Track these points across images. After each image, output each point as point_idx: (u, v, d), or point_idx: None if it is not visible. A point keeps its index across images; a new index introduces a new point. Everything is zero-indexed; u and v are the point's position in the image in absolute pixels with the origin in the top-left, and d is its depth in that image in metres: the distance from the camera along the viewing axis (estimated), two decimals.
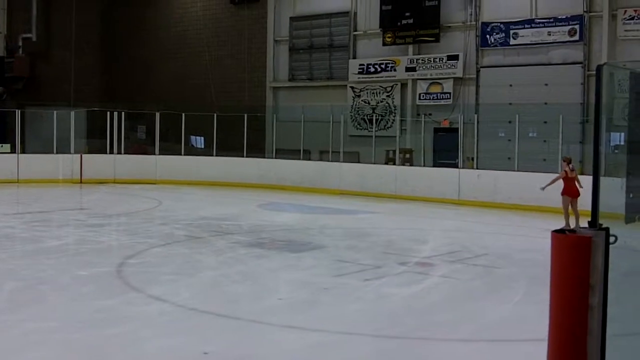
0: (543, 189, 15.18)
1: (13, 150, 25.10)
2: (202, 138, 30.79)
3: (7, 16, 34.77)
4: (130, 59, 34.80)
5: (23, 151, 25.78)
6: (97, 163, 25.76)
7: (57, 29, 34.65)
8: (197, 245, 12.59)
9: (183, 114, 26.76)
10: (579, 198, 14.70)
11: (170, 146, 27.51)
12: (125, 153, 26.55)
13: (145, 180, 25.52)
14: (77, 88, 33.22)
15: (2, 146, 25.23)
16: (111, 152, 26.23)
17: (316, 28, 29.43)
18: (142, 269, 10.47)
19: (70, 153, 25.45)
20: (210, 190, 23.94)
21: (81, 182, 25.03)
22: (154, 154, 26.52)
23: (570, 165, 15.03)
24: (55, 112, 25.62)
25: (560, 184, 14.97)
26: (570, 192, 14.82)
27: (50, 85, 33.93)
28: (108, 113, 26.44)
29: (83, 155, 25.66)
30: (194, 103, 30.26)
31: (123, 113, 26.62)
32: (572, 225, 14.53)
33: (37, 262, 10.69)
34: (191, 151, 28.45)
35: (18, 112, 25.52)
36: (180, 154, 26.72)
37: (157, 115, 26.66)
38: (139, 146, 29.70)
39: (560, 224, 14.48)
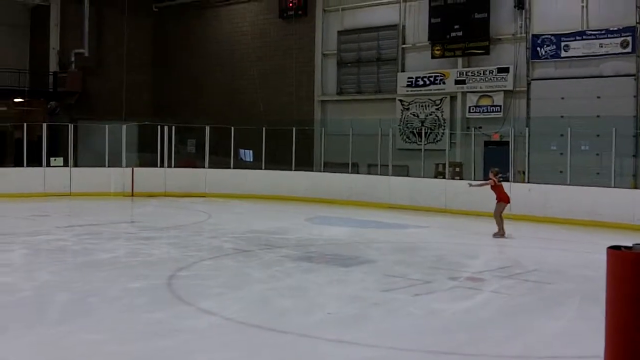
0: (471, 185, 18.02)
1: (66, 164, 25.64)
2: (251, 151, 31.03)
3: (60, 32, 35.68)
4: (180, 74, 35.35)
5: (75, 164, 26.35)
6: (148, 176, 26.14)
7: (109, 45, 35.43)
8: (245, 259, 12.67)
9: (232, 128, 27.02)
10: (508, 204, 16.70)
11: (220, 160, 27.78)
12: (175, 167, 26.89)
13: (194, 193, 25.81)
14: (128, 103, 33.84)
15: (55, 160, 25.78)
16: (162, 166, 26.59)
17: (364, 42, 29.46)
18: (192, 281, 10.57)
19: (121, 166, 25.87)
20: (258, 204, 24.09)
21: (132, 195, 25.44)
22: (204, 167, 26.81)
23: (498, 176, 16.88)
24: (107, 126, 26.11)
25: (492, 190, 16.70)
26: (504, 197, 16.62)
27: (102, 100, 34.65)
28: (159, 127, 26.84)
29: (134, 169, 26.08)
30: (242, 117, 30.56)
31: (173, 127, 26.99)
32: (507, 230, 16.42)
33: (88, 275, 10.87)
34: (240, 165, 28.67)
35: (71, 127, 26.10)
36: (230, 168, 26.94)
37: (207, 129, 26.97)
38: (189, 160, 30.05)
39: (611, 238, 14.18)
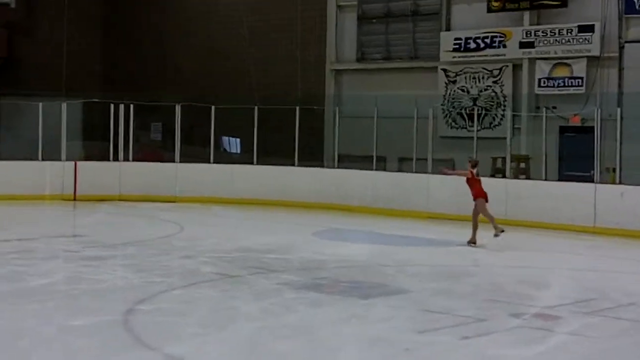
0: (444, 172, 20.39)
1: None
2: (238, 140, 31.05)
3: None
4: (141, 34, 35.40)
5: None
6: (97, 173, 26.19)
7: None
8: (230, 287, 12.67)
9: (212, 107, 27.06)
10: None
11: (195, 151, 27.80)
12: (134, 160, 26.94)
13: (161, 197, 25.84)
14: (70, 73, 33.92)
15: None
16: (115, 159, 26.64)
17: None
18: (157, 318, 10.56)
19: (60, 160, 25.93)
20: (248, 211, 24.08)
21: (75, 199, 25.46)
22: (173, 161, 26.85)
23: (476, 169, 18.35)
24: (40, 104, 26.14)
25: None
26: (484, 194, 18.08)
27: (34, 68, 34.70)
28: (111, 106, 26.87)
29: (78, 163, 26.12)
30: (226, 92, 30.57)
31: (131, 106, 27.03)
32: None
33: (14, 308, 10.85)
34: (223, 157, 28.70)
35: None
36: (209, 162, 26.97)
37: (177, 108, 27.01)
38: (153, 151, 30.08)
39: None
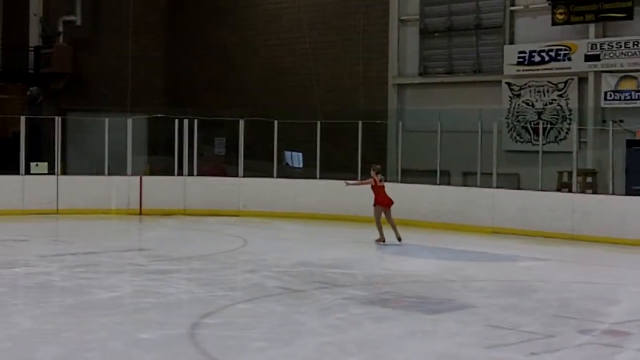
0: (347, 184, 21.45)
1: (52, 171, 26.10)
2: (300, 154, 31.11)
3: None
4: (205, 49, 35.73)
5: (64, 172, 26.80)
6: (162, 188, 26.45)
7: (109, 10, 36.05)
8: (295, 302, 12.70)
9: (275, 122, 27.15)
10: (392, 207, 19.89)
11: (258, 165, 27.92)
12: (198, 174, 27.13)
13: (225, 211, 25.99)
14: (135, 87, 34.34)
15: (37, 165, 26.26)
16: (180, 174, 26.84)
17: (458, 2, 29.35)
18: (224, 332, 10.64)
19: (126, 174, 26.24)
20: (312, 226, 24.11)
21: (140, 214, 25.75)
22: (237, 175, 26.99)
23: (379, 176, 19.99)
24: (107, 119, 26.50)
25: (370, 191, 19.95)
26: (383, 201, 19.83)
27: (99, 84, 35.27)
28: (176, 121, 27.08)
29: (143, 178, 26.40)
30: (289, 107, 30.70)
31: (195, 121, 27.26)
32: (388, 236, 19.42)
33: (82, 321, 11.03)
34: (286, 172, 28.78)
35: (58, 120, 26.51)
36: (272, 176, 27.06)
37: (241, 123, 27.15)
38: (217, 165, 30.30)
39: None
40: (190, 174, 26.87)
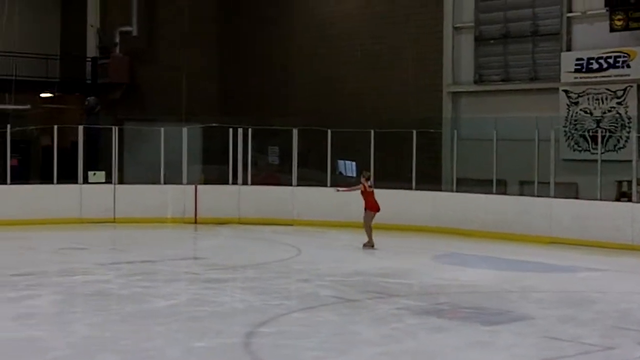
0: (338, 191, 22.63)
1: (109, 180, 26.43)
2: (354, 163, 31.08)
3: (101, 4, 36.91)
4: (258, 59, 35.88)
5: (121, 181, 27.10)
6: (217, 197, 26.61)
7: (164, 20, 36.39)
8: (350, 311, 12.73)
9: (329, 131, 27.19)
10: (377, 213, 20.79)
11: (312, 174, 27.96)
12: (252, 183, 27.27)
13: (278, 220, 26.06)
14: (189, 97, 34.63)
15: (94, 174, 26.62)
16: (234, 183, 27.01)
17: (513, 9, 29.13)
18: (279, 341, 10.69)
19: (181, 183, 26.46)
20: (365, 235, 24.07)
21: (196, 222, 25.94)
22: (291, 184, 27.08)
23: (369, 182, 20.98)
24: (162, 129, 26.77)
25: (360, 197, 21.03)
26: (374, 206, 20.76)
27: (155, 94, 35.61)
28: (230, 130, 27.28)
29: (198, 187, 26.60)
30: (343, 115, 30.70)
31: (249, 130, 27.40)
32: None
33: (140, 329, 11.18)
34: (339, 181, 28.79)
35: (115, 130, 26.85)
36: (326, 185, 27.07)
37: (294, 132, 27.24)
38: (270, 174, 30.40)
39: None
40: (245, 182, 27.02)
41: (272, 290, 14.48)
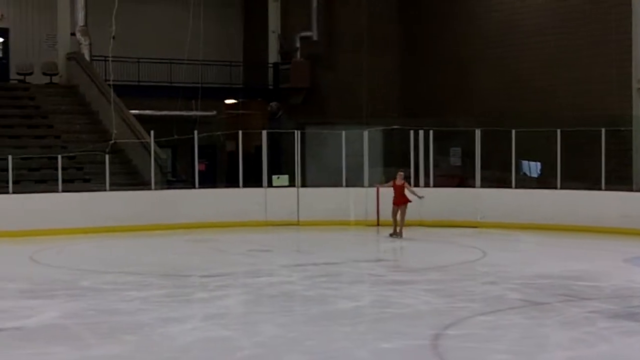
0: (375, 186, 25.39)
1: (292, 183, 26.92)
2: (538, 163, 30.53)
3: (282, 9, 37.62)
4: (438, 59, 35.71)
5: (304, 184, 27.55)
6: None
7: (344, 24, 36.70)
8: (538, 314, 12.50)
9: (513, 131, 26.75)
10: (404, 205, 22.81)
11: (495, 175, 27.62)
12: (434, 185, 27.15)
13: (462, 222, 25.85)
14: (370, 100, 34.83)
15: (278, 178, 27.15)
16: (416, 185, 26.89)
17: None
18: (465, 343, 10.63)
19: (363, 186, 26.65)
20: (552, 237, 23.57)
21: (378, 225, 26.02)
22: (474, 186, 26.80)
23: (401, 180, 23.17)
24: (343, 132, 27.05)
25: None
26: (395, 201, 23.00)
27: (335, 97, 36.01)
28: (411, 132, 27.27)
29: (380, 189, 26.72)
30: (527, 115, 30.17)
31: (431, 132, 27.28)
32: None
33: (325, 330, 11.33)
34: (524, 182, 28.32)
35: (297, 134, 27.33)
36: (510, 186, 26.65)
37: (477, 132, 26.94)
38: (453, 176, 30.22)
39: None
40: (426, 185, 26.94)
41: (457, 292, 14.39)
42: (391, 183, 23.33)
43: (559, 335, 11.12)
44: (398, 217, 22.95)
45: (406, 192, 23.16)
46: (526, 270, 17.09)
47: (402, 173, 23.55)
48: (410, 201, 22.99)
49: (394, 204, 23.07)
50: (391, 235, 22.87)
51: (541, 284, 15.31)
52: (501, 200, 26.34)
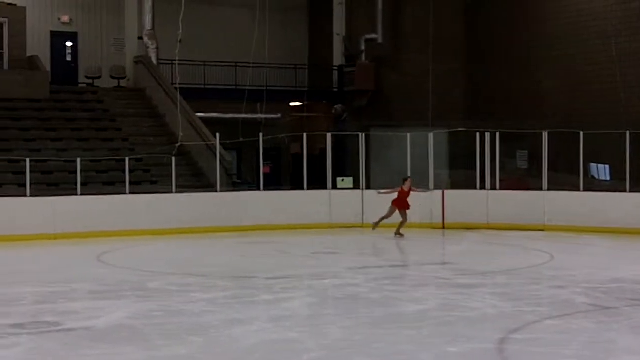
0: (379, 193, 24.83)
1: (357, 186, 26.94)
2: (607, 166, 30.15)
3: (347, 12, 37.69)
4: (504, 61, 35.47)
5: (368, 187, 27.57)
6: (464, 202, 26.53)
7: (409, 26, 36.68)
8: (607, 319, 12.33)
9: (581, 133, 26.44)
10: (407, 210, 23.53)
11: (562, 178, 27.33)
12: (500, 188, 26.95)
13: (529, 225, 25.60)
14: (435, 102, 34.71)
15: (343, 180, 27.23)
16: (482, 187, 26.80)
17: None
18: (533, 348, 10.51)
19: (429, 189, 26.57)
20: (622, 241, 23.24)
21: (444, 227, 25.99)
22: (541, 189, 26.53)
23: (408, 186, 23.72)
24: (408, 134, 27.00)
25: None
26: (396, 202, 23.66)
27: (400, 100, 35.99)
28: (477, 135, 27.10)
29: (445, 192, 26.63)
30: (594, 116, 29.84)
31: (497, 134, 27.09)
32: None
33: (390, 333, 11.29)
34: (593, 185, 27.99)
35: (362, 137, 27.36)
36: (578, 190, 26.33)
37: (544, 135, 26.67)
38: (519, 179, 30.00)
39: None
40: (493, 187, 26.76)
41: (524, 296, 14.29)
42: (398, 189, 23.76)
43: (627, 340, 10.98)
44: (391, 218, 23.73)
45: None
46: (594, 274, 16.89)
47: (411, 179, 24.14)
48: (409, 207, 23.70)
49: (394, 204, 23.62)
50: (374, 228, 23.94)
51: (609, 288, 15.10)
52: (569, 203, 26.02)
